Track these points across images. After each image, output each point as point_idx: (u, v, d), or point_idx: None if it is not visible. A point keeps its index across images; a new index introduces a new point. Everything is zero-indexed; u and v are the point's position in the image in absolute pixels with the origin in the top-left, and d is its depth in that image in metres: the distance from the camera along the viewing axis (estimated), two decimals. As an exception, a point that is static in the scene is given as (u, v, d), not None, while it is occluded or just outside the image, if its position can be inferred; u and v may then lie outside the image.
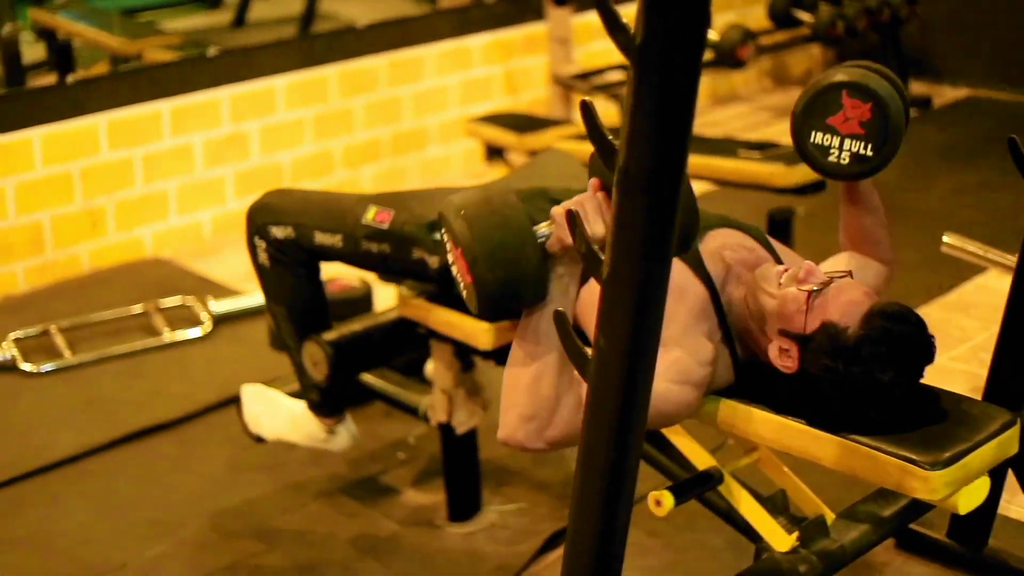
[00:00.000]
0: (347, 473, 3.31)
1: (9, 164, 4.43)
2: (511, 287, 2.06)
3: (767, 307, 2.24)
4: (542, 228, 2.11)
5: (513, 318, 2.23)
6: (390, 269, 2.79)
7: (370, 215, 2.73)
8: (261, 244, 2.82)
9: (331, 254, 2.78)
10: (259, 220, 2.81)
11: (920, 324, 2.17)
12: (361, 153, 5.41)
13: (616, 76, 5.53)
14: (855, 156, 2.36)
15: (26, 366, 3.92)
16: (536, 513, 3.10)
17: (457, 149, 5.67)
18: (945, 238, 3.56)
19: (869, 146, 2.35)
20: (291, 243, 2.79)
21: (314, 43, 5.28)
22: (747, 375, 2.31)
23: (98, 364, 3.96)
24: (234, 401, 3.22)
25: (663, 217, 1.69)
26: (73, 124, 4.56)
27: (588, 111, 1.77)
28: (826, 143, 2.38)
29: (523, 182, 2.98)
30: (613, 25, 1.65)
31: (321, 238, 2.76)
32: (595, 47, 6.12)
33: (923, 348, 2.17)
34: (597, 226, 2.08)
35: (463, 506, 3.07)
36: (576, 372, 2.01)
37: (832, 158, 2.38)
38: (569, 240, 2.06)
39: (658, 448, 2.66)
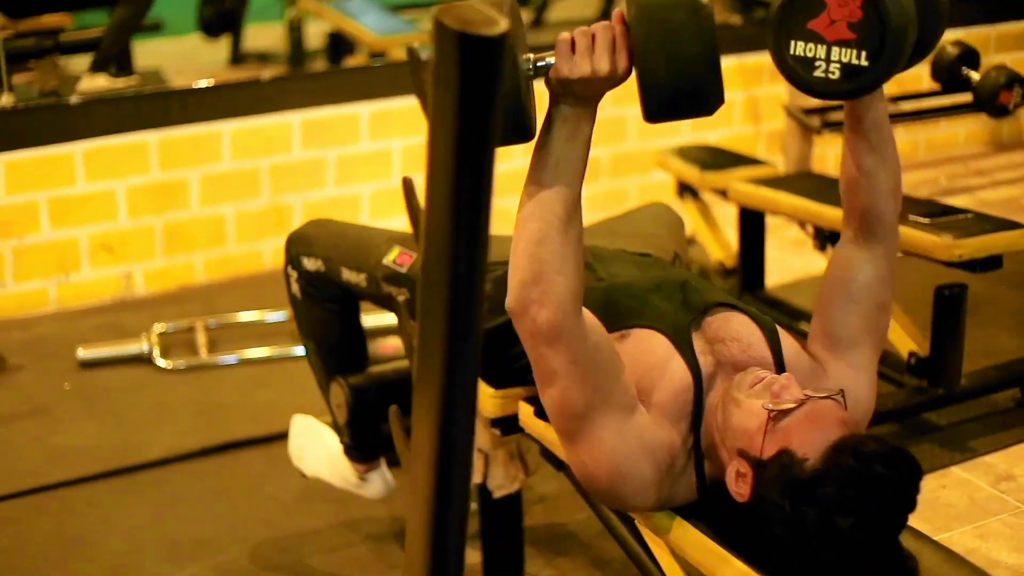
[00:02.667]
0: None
1: (197, 156, 4.47)
2: None
3: (731, 419, 1.92)
4: (541, 56, 1.84)
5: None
6: (413, 316, 2.60)
7: (392, 256, 2.54)
8: (293, 274, 2.67)
9: (358, 293, 2.61)
10: (293, 250, 2.67)
11: (902, 466, 1.80)
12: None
13: (859, 113, 5.09)
14: (846, 68, 1.88)
15: (160, 361, 3.93)
16: (582, 593, 2.84)
17: (684, 176, 5.37)
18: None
19: (863, 54, 1.87)
20: (321, 276, 2.63)
21: (530, 55, 5.09)
22: (714, 496, 1.99)
23: (229, 368, 3.92)
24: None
25: (463, 319, 1.43)
26: (266, 120, 4.56)
27: (408, 189, 1.53)
28: (809, 54, 1.89)
29: (602, 233, 2.73)
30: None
31: (347, 275, 2.58)
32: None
33: (898, 496, 1.80)
34: (601, 62, 1.82)
35: (498, 573, 2.83)
36: None
37: (819, 73, 1.90)
38: (572, 72, 1.82)
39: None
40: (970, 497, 3.11)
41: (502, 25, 1.30)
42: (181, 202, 4.48)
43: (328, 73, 4.88)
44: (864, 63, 1.87)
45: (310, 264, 2.62)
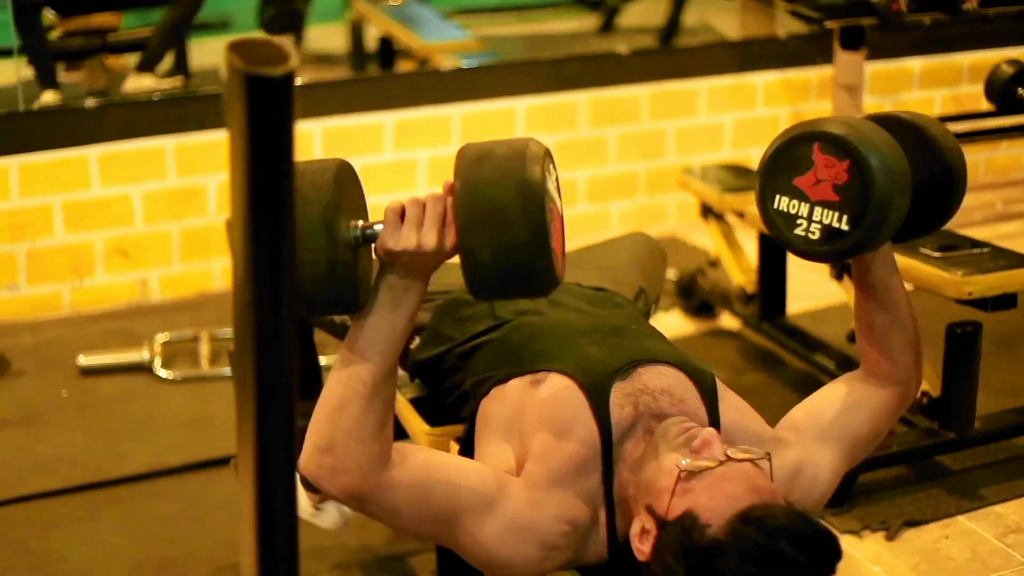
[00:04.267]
0: (380, 545, 3.02)
1: (216, 162, 4.41)
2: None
3: (645, 472, 1.81)
4: (370, 224, 1.77)
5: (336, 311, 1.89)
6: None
7: None
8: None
9: (303, 319, 2.51)
10: None
11: (813, 547, 1.65)
12: (611, 187, 5.06)
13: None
14: (827, 230, 1.83)
15: (161, 371, 3.87)
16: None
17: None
18: None
19: (844, 218, 1.82)
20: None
21: (564, 67, 4.97)
22: (626, 555, 1.87)
23: (227, 380, 3.85)
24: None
25: (269, 371, 1.33)
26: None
27: (231, 231, 1.42)
28: (792, 210, 1.86)
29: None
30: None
31: None
32: (910, 96, 5.48)
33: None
34: (428, 237, 1.71)
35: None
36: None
37: (799, 231, 1.86)
38: (398, 245, 1.72)
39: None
40: (972, 550, 2.94)
41: (290, 63, 1.19)
42: (198, 208, 4.42)
43: (350, 81, 4.81)
44: (844, 227, 1.82)
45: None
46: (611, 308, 2.28)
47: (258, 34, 6.70)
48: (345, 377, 1.79)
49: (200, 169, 4.39)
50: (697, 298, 4.28)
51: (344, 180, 1.77)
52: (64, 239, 4.28)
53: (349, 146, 4.56)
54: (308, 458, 1.80)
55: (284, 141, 1.20)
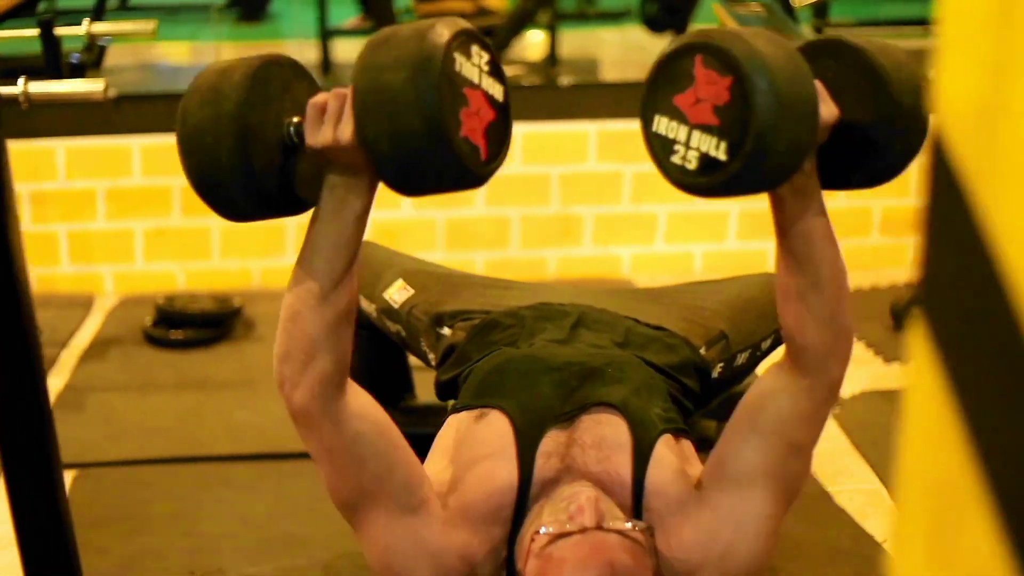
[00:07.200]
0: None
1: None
2: (211, 179, 1.66)
3: (522, 536, 1.72)
4: (299, 120, 1.72)
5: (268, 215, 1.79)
6: (413, 354, 2.47)
7: (392, 289, 2.43)
8: (329, 295, 2.60)
9: (372, 323, 2.51)
10: None
11: None
12: (904, 219, 4.74)
13: None
14: (704, 159, 1.58)
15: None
16: None
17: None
18: None
19: (722, 145, 1.56)
20: (347, 300, 2.54)
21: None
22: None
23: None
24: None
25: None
26: (556, 127, 4.48)
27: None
28: (671, 134, 1.61)
29: (641, 297, 2.49)
30: None
31: (363, 303, 2.49)
32: None
33: None
34: (324, 132, 1.65)
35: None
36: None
37: (676, 158, 1.62)
38: (316, 141, 1.66)
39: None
40: None
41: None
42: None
43: (624, 85, 4.71)
44: (721, 156, 1.56)
45: (339, 287, 2.54)
46: (638, 349, 2.13)
47: (642, 28, 6.72)
48: (294, 285, 1.74)
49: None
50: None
51: (271, 76, 1.70)
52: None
53: (621, 149, 4.51)
54: (274, 368, 1.79)
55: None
